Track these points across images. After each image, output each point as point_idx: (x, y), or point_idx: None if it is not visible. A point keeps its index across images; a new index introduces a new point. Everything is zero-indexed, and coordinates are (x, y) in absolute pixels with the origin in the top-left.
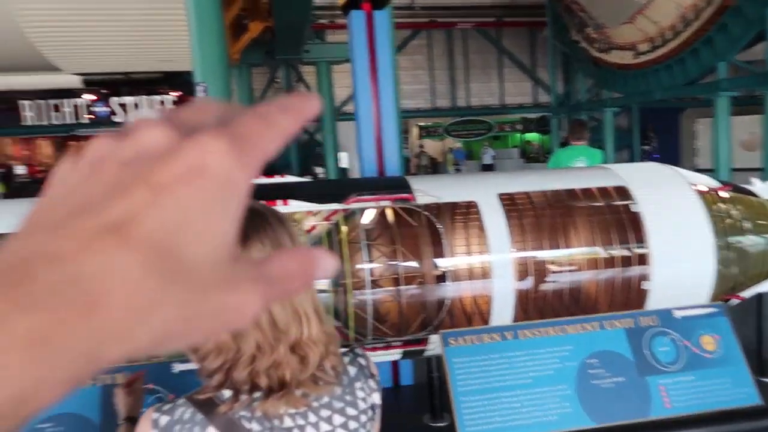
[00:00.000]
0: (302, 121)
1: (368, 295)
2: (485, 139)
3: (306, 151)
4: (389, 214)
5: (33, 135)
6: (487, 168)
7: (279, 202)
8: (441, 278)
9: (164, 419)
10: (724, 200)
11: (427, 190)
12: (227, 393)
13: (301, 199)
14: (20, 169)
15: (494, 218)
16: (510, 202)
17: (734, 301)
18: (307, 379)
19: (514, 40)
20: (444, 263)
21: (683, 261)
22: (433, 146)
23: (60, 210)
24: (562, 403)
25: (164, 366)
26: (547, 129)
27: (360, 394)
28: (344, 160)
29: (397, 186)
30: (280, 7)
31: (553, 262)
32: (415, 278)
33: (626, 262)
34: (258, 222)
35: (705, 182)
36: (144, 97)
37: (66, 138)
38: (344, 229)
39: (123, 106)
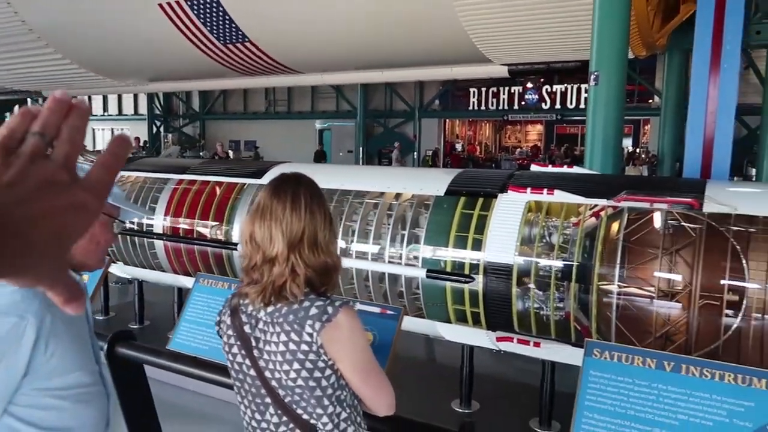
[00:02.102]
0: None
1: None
2: None
3: (742, 148)
4: (657, 219)
5: (475, 118)
6: None
7: (544, 191)
8: (735, 305)
9: (234, 299)
10: None
11: (724, 199)
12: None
13: (568, 191)
14: (458, 146)
15: None
16: None
17: None
18: (277, 289)
19: None
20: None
21: None
22: None
23: None
24: None
25: None
26: None
27: (308, 329)
28: None
29: (687, 189)
30: None
31: None
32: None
33: None
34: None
35: None
36: (574, 85)
37: (504, 122)
38: (614, 227)
39: (551, 94)
